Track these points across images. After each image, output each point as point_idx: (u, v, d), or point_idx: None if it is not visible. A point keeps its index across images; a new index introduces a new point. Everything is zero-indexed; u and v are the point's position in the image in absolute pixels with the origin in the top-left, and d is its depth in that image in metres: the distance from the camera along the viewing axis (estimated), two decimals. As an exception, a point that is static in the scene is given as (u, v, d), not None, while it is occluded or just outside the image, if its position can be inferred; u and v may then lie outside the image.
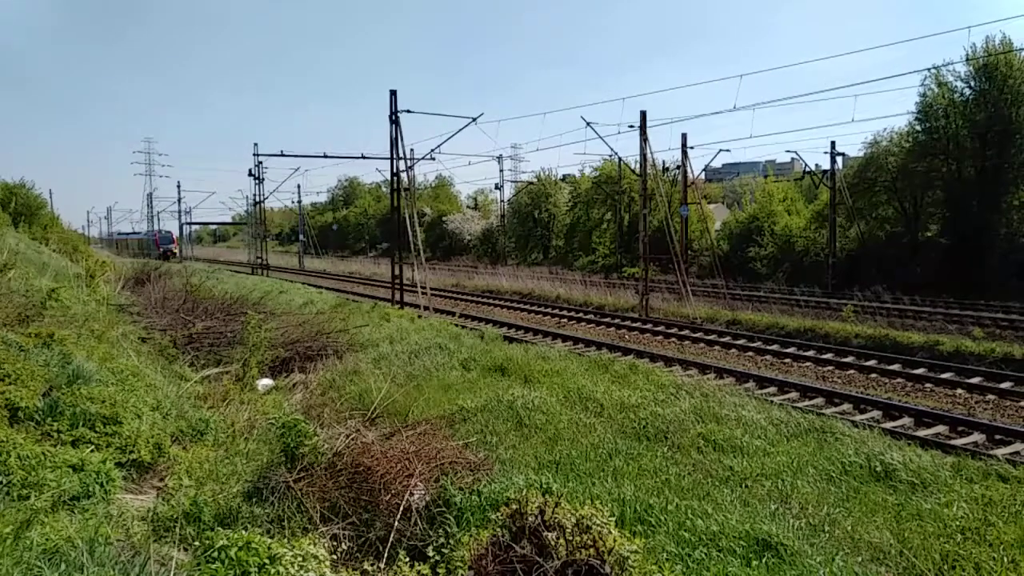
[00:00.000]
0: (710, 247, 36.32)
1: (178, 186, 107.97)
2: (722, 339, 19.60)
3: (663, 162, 41.11)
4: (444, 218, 65.49)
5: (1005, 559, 4.99)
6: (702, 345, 19.12)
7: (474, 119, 25.10)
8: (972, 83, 28.69)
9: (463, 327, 19.08)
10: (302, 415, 7.56)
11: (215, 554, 3.79)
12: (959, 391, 13.50)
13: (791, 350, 17.79)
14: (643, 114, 24.19)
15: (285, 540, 4.21)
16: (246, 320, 12.51)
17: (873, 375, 15.02)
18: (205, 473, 6.45)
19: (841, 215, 32.89)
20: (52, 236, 33.18)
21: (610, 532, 4.24)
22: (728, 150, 45.93)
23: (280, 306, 21.24)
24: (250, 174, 44.25)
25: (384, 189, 64.36)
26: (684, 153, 30.08)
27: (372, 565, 4.71)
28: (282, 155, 38.56)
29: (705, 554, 4.93)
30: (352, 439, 6.22)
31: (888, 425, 10.71)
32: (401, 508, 5.31)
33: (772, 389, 13.42)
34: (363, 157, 36.75)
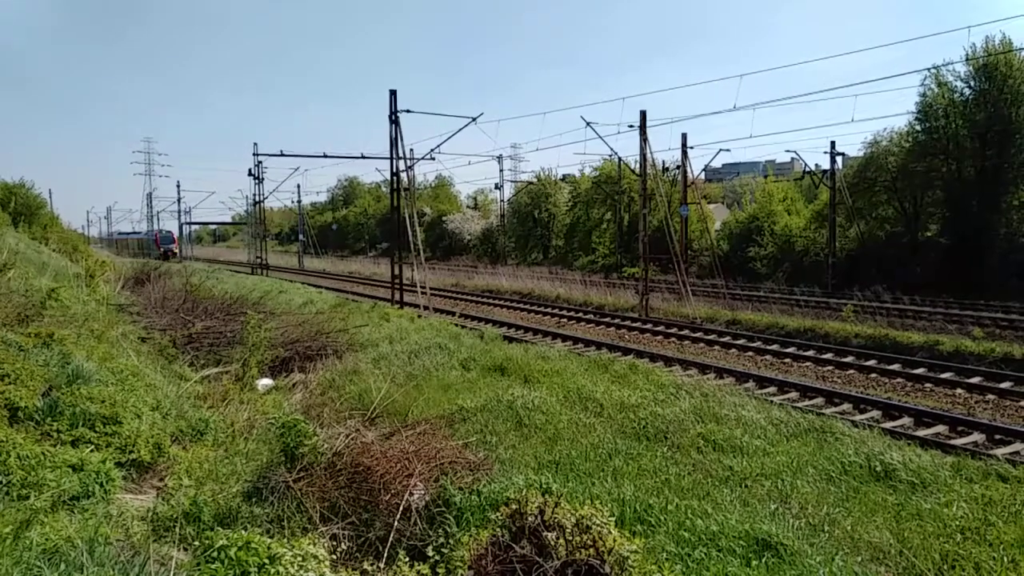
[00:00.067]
0: (710, 247, 36.32)
1: (178, 186, 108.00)
2: (722, 339, 19.60)
3: (663, 162, 41.18)
4: (444, 218, 65.50)
5: (1005, 559, 4.99)
6: (702, 345, 19.12)
7: (474, 119, 25.11)
8: (972, 83, 28.70)
9: (463, 327, 19.08)
10: (302, 415, 7.56)
11: (215, 554, 3.78)
12: (959, 391, 13.50)
13: (791, 350, 17.79)
14: (643, 114, 24.19)
15: (285, 540, 4.20)
16: (246, 320, 12.51)
17: (873, 375, 15.03)
18: (205, 473, 6.45)
19: (841, 215, 32.89)
20: (52, 236, 33.20)
21: (610, 532, 4.24)
22: (728, 150, 46.01)
23: (280, 306, 21.24)
24: (250, 174, 44.24)
25: (384, 189, 64.39)
26: (684, 153, 30.09)
27: (372, 565, 4.71)
28: (282, 155, 38.53)
29: (705, 554, 4.93)
30: (352, 439, 6.22)
31: (888, 425, 10.71)
32: (401, 508, 5.31)
33: (772, 389, 13.42)
34: (363, 157, 36.73)
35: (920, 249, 30.59)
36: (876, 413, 11.66)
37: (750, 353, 17.79)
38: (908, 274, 28.57)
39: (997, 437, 10.36)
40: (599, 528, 4.23)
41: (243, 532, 4.04)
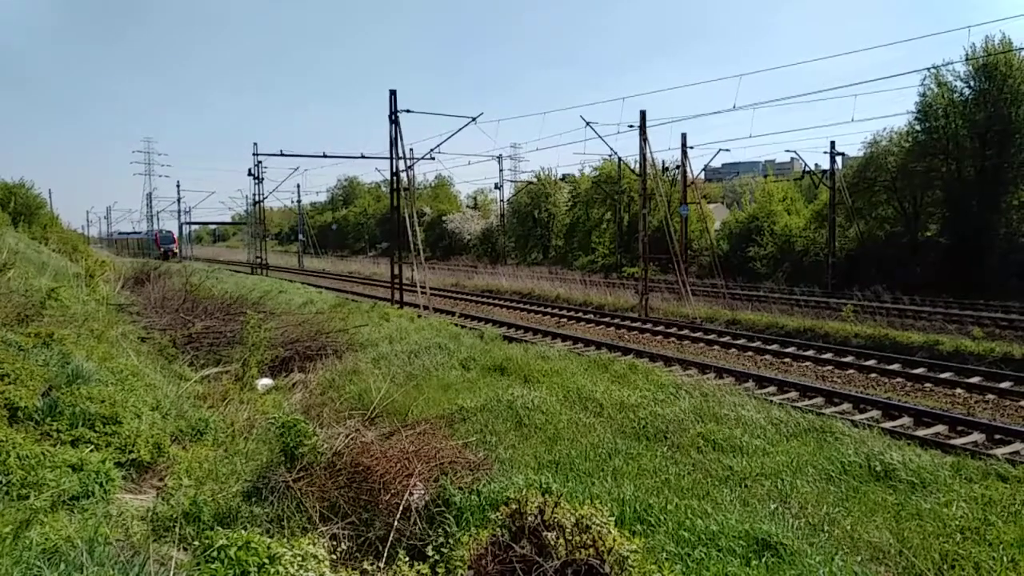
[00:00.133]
0: (710, 247, 36.32)
1: (177, 186, 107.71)
2: (722, 339, 19.60)
3: (663, 162, 41.17)
4: (444, 218, 65.48)
5: (1005, 559, 4.99)
6: (701, 345, 19.12)
7: (474, 119, 25.11)
8: (972, 83, 28.69)
9: (463, 327, 19.08)
10: (302, 415, 7.56)
11: (215, 554, 3.78)
12: (959, 391, 13.50)
13: (791, 350, 17.79)
14: (643, 114, 24.19)
15: (285, 540, 4.20)
16: (245, 320, 12.50)
17: (873, 375, 15.02)
18: (204, 473, 6.45)
19: (841, 215, 32.89)
20: (51, 236, 33.19)
21: (610, 532, 4.24)
22: (728, 150, 46.09)
23: (280, 306, 21.23)
24: (250, 174, 44.24)
25: (384, 189, 64.37)
26: (684, 153, 30.10)
27: (371, 564, 4.71)
28: (282, 155, 38.52)
29: (705, 554, 4.93)
30: (351, 439, 6.21)
31: (887, 425, 10.71)
32: (401, 508, 5.31)
33: (772, 389, 13.42)
34: (363, 157, 36.74)
35: (920, 249, 30.59)
36: (876, 413, 11.66)
37: (750, 353, 17.79)
38: (908, 274, 28.57)
39: (997, 437, 10.36)
40: (599, 528, 4.23)
41: (243, 532, 4.04)
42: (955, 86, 29.26)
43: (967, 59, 28.19)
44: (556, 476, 6.31)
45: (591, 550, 4.09)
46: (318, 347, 14.07)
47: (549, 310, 27.03)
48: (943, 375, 14.56)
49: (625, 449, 7.50)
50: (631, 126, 25.11)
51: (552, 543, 4.14)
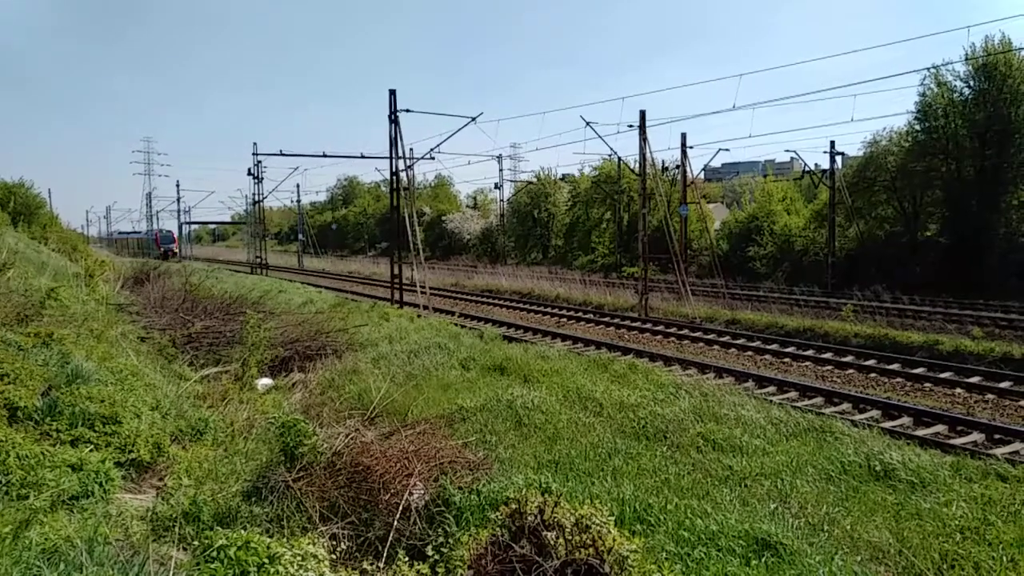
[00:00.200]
0: (709, 247, 36.32)
1: (177, 185, 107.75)
2: (721, 339, 19.60)
3: (662, 161, 41.14)
4: (443, 217, 65.47)
5: (1004, 558, 4.99)
6: (701, 344, 19.12)
7: (473, 119, 25.11)
8: (971, 83, 28.70)
9: (462, 326, 19.08)
10: (301, 414, 7.56)
11: (214, 553, 3.78)
12: (958, 391, 13.50)
13: (790, 349, 17.79)
14: (642, 114, 24.20)
15: (284, 539, 4.20)
16: (245, 319, 12.50)
17: (872, 374, 15.03)
18: (204, 472, 6.45)
19: (840, 215, 32.90)
20: (51, 235, 33.20)
21: (609, 531, 4.24)
22: (727, 149, 46.13)
23: (279, 305, 21.22)
24: (249, 173, 44.26)
25: (383, 188, 64.33)
26: (683, 152, 30.10)
27: (371, 564, 4.71)
28: (281, 154, 38.55)
29: (704, 553, 4.93)
30: (351, 438, 6.21)
31: (887, 424, 10.71)
32: (400, 507, 5.31)
33: (771, 388, 13.43)
34: (362, 156, 36.77)
35: (919, 249, 30.60)
36: (875, 413, 11.66)
37: (749, 353, 17.80)
38: (907, 274, 28.58)
39: (996, 437, 10.36)
40: (599, 527, 4.23)
41: (243, 532, 4.04)
42: (955, 86, 29.29)
43: (967, 59, 28.21)
44: (556, 476, 6.31)
45: (591, 550, 4.09)
46: (318, 347, 14.06)
47: (549, 310, 27.03)
48: (943, 375, 14.56)
49: (625, 449, 7.49)
50: (631, 126, 25.13)
51: (552, 543, 4.14)
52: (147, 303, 17.25)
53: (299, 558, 3.93)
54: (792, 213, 38.14)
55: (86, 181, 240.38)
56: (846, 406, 12.16)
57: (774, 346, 18.25)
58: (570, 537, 4.16)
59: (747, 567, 4.73)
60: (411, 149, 43.95)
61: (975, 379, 14.10)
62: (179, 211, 70.76)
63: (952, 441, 10.01)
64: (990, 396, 13.04)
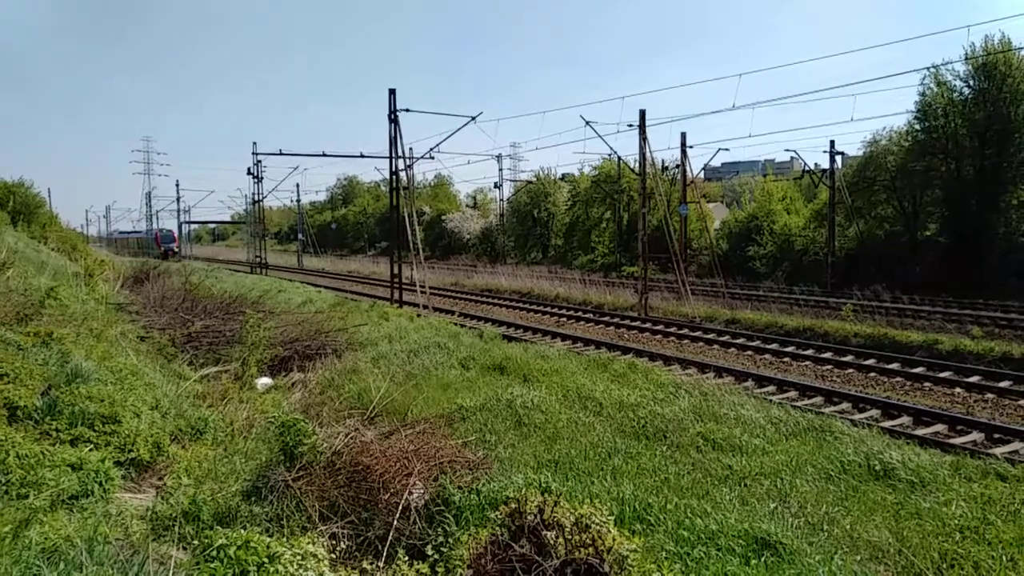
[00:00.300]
0: (709, 246, 36.32)
1: (177, 185, 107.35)
2: (721, 338, 19.60)
3: (662, 161, 41.16)
4: (443, 217, 65.48)
5: (1004, 558, 4.99)
6: (701, 344, 19.12)
7: (473, 118, 25.11)
8: (971, 82, 28.71)
9: (462, 326, 19.08)
10: (301, 414, 7.56)
11: (214, 553, 3.78)
12: (958, 390, 13.51)
13: (790, 349, 17.80)
14: (642, 113, 24.19)
15: (284, 539, 4.20)
16: (245, 319, 12.50)
17: (872, 374, 15.03)
18: (204, 472, 6.45)
19: (840, 214, 32.90)
20: (51, 235, 33.13)
21: (609, 531, 4.24)
22: (727, 149, 46.13)
23: (279, 305, 21.21)
24: (249, 173, 44.24)
25: (383, 188, 64.30)
26: (683, 152, 30.11)
27: (371, 564, 4.71)
28: (281, 154, 38.61)
29: (704, 553, 4.93)
30: (351, 438, 6.21)
31: (887, 424, 10.72)
32: (400, 507, 5.31)
33: (771, 388, 13.43)
34: (362, 156, 36.86)
35: (919, 248, 30.61)
36: (875, 412, 11.67)
37: (749, 352, 17.80)
38: (907, 273, 28.59)
39: (996, 436, 10.37)
40: (598, 527, 4.23)
41: (242, 531, 4.04)
42: (954, 85, 29.30)
43: (966, 58, 28.22)
44: (555, 475, 6.30)
45: (590, 549, 4.09)
46: (317, 346, 14.06)
47: (548, 309, 27.03)
48: (942, 374, 14.56)
49: (624, 448, 7.49)
50: (631, 125, 25.14)
51: (551, 542, 4.14)
52: (147, 302, 17.24)
53: (299, 557, 3.93)
54: (792, 213, 38.15)
55: (86, 181, 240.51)
56: (846, 405, 12.17)
57: (774, 345, 18.25)
58: (570, 536, 4.16)
59: (747, 566, 4.73)
60: (411, 149, 43.96)
61: (975, 378, 14.11)
62: (179, 211, 70.75)
63: (952, 440, 10.02)
64: (990, 395, 13.04)
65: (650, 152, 25.06)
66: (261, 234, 50.44)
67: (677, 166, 33.43)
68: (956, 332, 19.12)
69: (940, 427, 10.85)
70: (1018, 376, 14.01)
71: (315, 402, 10.32)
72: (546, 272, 39.30)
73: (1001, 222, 28.31)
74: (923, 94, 29.84)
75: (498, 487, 5.73)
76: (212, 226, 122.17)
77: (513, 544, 4.25)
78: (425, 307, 23.44)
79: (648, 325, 22.19)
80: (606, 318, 24.04)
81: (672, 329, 21.09)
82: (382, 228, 70.47)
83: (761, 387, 13.36)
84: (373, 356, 13.09)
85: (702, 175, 47.30)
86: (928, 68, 29.50)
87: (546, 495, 4.65)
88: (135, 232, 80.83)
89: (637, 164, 26.87)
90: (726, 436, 7.88)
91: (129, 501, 5.64)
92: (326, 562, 4.08)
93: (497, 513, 4.63)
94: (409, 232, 24.71)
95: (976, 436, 10.34)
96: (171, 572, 4.05)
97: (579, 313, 25.39)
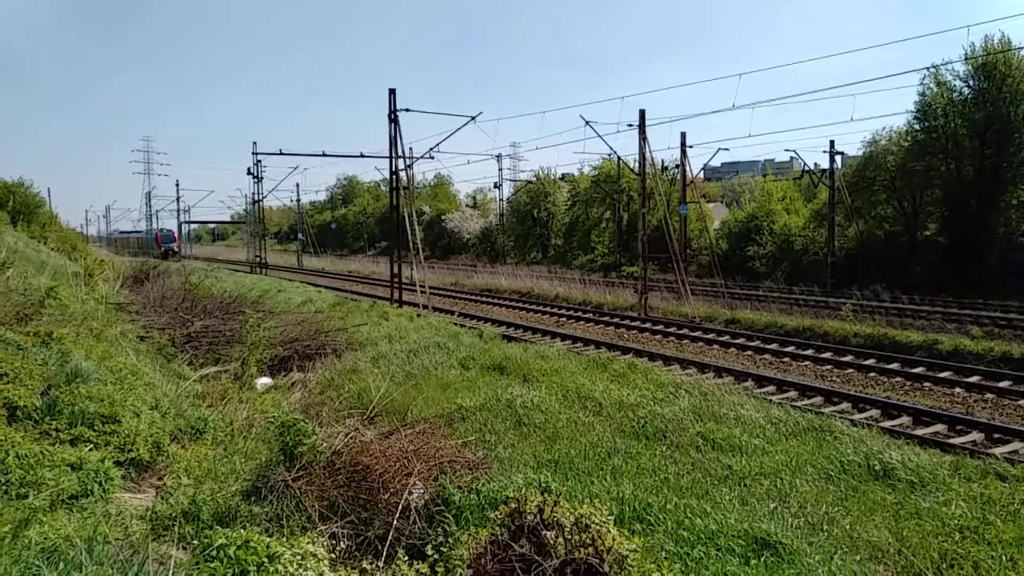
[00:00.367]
0: (709, 246, 36.33)
1: (176, 185, 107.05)
2: (721, 338, 19.60)
3: (662, 161, 41.16)
4: (443, 217, 65.49)
5: (1004, 558, 4.99)
6: (701, 344, 19.12)
7: (473, 118, 25.12)
8: (971, 82, 28.72)
9: (462, 326, 19.08)
10: (301, 414, 7.56)
11: (214, 553, 3.78)
12: (958, 390, 13.51)
13: (790, 349, 17.80)
14: (642, 113, 24.20)
15: (284, 539, 4.20)
16: (245, 319, 12.49)
17: (872, 374, 15.03)
18: (204, 472, 6.45)
19: (840, 214, 32.91)
20: (50, 235, 33.12)
21: (609, 531, 4.24)
22: (727, 149, 46.15)
23: (279, 305, 21.21)
24: (249, 173, 44.22)
25: (383, 188, 64.31)
26: (683, 152, 30.11)
27: (371, 564, 4.71)
28: (281, 154, 38.61)
29: (704, 553, 4.93)
30: (351, 438, 6.21)
31: (887, 424, 10.72)
32: (400, 507, 5.31)
33: (771, 388, 13.43)
34: (362, 156, 36.88)
35: (919, 248, 30.61)
36: (875, 412, 11.67)
37: (749, 352, 17.80)
38: (907, 273, 28.60)
39: (996, 436, 10.37)
40: (598, 527, 4.23)
41: (242, 531, 4.04)
42: (954, 85, 29.32)
43: (966, 58, 28.23)
44: (555, 475, 6.30)
45: (590, 549, 4.09)
46: (317, 346, 14.05)
47: (548, 309, 27.03)
48: (942, 374, 14.56)
49: (624, 448, 7.49)
50: (630, 125, 25.14)
51: (551, 542, 4.14)
52: (146, 302, 17.24)
53: (298, 557, 3.93)
54: (791, 212, 38.16)
55: (86, 180, 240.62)
56: (845, 405, 12.17)
57: (773, 345, 18.25)
58: (569, 536, 4.16)
59: (746, 566, 4.73)
60: (410, 148, 43.95)
61: (974, 378, 14.11)
62: (178, 210, 70.70)
63: (951, 440, 10.02)
64: (989, 395, 13.05)
65: (650, 152, 25.09)
66: (261, 234, 50.42)
67: (677, 166, 33.44)
68: (956, 332, 19.12)
69: (940, 427, 10.85)
70: (1018, 376, 14.01)
71: (315, 402, 10.32)
72: (546, 272, 39.30)
73: (1001, 222, 28.32)
74: (923, 94, 29.88)
75: (498, 487, 5.73)
76: (212, 226, 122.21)
77: (513, 544, 4.25)
78: (425, 307, 23.44)
79: (648, 325, 22.18)
80: (606, 318, 24.04)
81: (672, 329, 21.09)
82: (382, 228, 70.47)
83: (761, 387, 13.36)
84: (373, 356, 13.09)
85: (702, 175, 47.32)
86: (928, 68, 29.58)
87: (546, 495, 4.65)
88: (135, 232, 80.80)
89: (637, 164, 26.89)
90: (726, 436, 7.87)
91: (129, 501, 5.64)
92: (326, 562, 4.08)
93: (497, 513, 4.63)
94: (409, 232, 24.71)
95: (976, 436, 10.34)
96: (171, 572, 4.05)
97: (579, 313, 25.39)
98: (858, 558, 5.01)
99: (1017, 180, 28.07)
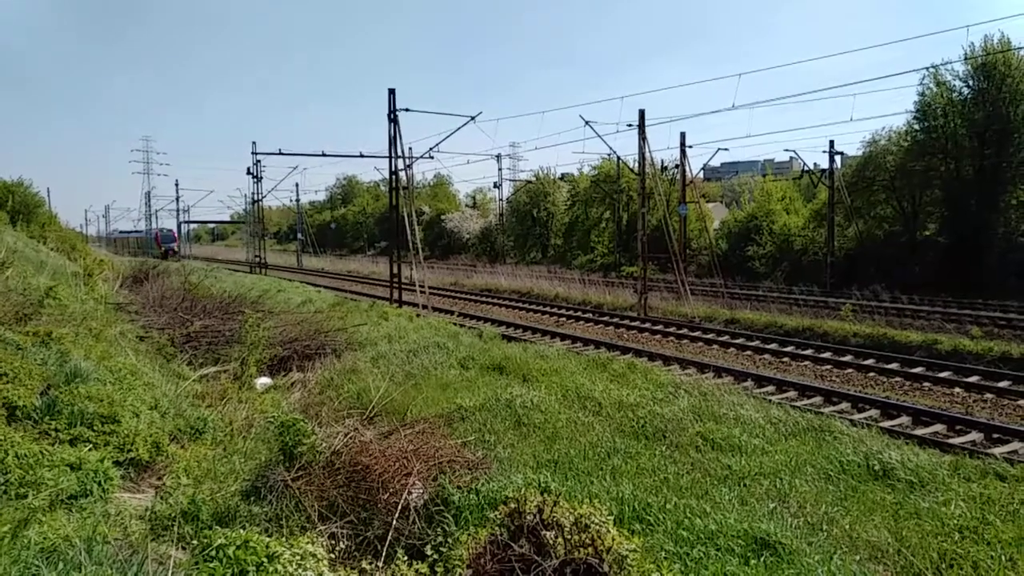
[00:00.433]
0: (708, 246, 36.33)
1: (176, 185, 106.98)
2: (720, 338, 19.61)
3: (662, 161, 41.15)
4: (443, 217, 65.49)
5: (1003, 558, 4.99)
6: (700, 344, 19.13)
7: (472, 118, 25.13)
8: (970, 82, 28.73)
9: (462, 326, 19.07)
10: (300, 414, 7.55)
11: (213, 553, 3.78)
12: (957, 390, 13.51)
13: (789, 349, 17.80)
14: (641, 113, 24.21)
15: (283, 539, 4.20)
16: (244, 319, 12.48)
17: (871, 374, 15.03)
18: (203, 472, 6.44)
19: (840, 214, 32.91)
20: (50, 234, 33.12)
21: (608, 531, 4.24)
22: (727, 149, 46.15)
23: (278, 305, 21.20)
24: (248, 172, 44.20)
25: (382, 188, 64.29)
26: (683, 152, 30.12)
27: (370, 564, 4.71)
28: (280, 154, 38.58)
29: (703, 553, 4.93)
30: (350, 438, 6.21)
31: (886, 424, 10.72)
32: (399, 507, 5.31)
33: (770, 388, 13.43)
34: (361, 156, 36.86)
35: (919, 248, 30.62)
36: (874, 412, 11.67)
37: (748, 352, 17.80)
38: (906, 273, 28.61)
39: (995, 436, 10.37)
40: (598, 527, 4.22)
41: (241, 531, 4.04)
42: (954, 85, 29.33)
43: (966, 58, 28.25)
44: (555, 475, 6.30)
45: (590, 549, 4.09)
46: (317, 346, 14.05)
47: (548, 309, 27.03)
48: (942, 374, 14.57)
49: (624, 448, 7.49)
50: (630, 125, 25.14)
51: (551, 542, 4.14)
52: (146, 302, 17.22)
53: (298, 557, 3.92)
54: (791, 213, 38.17)
55: (85, 180, 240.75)
56: (845, 405, 12.17)
57: (773, 345, 18.25)
58: (569, 536, 4.16)
59: (746, 566, 4.73)
60: (410, 148, 43.96)
61: (974, 378, 14.12)
62: (178, 210, 70.71)
63: (951, 440, 10.03)
64: (989, 395, 13.05)
65: (649, 152, 25.10)
66: (260, 234, 50.42)
67: (676, 166, 33.45)
68: (955, 332, 19.13)
69: (939, 427, 10.85)
70: (1017, 376, 14.02)
71: (314, 402, 10.31)
72: (545, 272, 39.30)
73: (1000, 222, 28.34)
74: (922, 94, 29.89)
75: (497, 487, 5.73)
76: (211, 226, 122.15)
77: (512, 544, 4.25)
78: (424, 307, 23.44)
79: (647, 325, 22.19)
80: (605, 318, 24.05)
81: (671, 329, 21.10)
82: (381, 228, 70.46)
83: (760, 387, 13.36)
84: (372, 356, 13.09)
85: (701, 175, 47.31)
86: (927, 68, 29.60)
87: (545, 495, 4.65)
88: (135, 232, 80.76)
89: (636, 164, 26.89)
90: (725, 436, 7.87)
91: (128, 501, 5.64)
92: (325, 562, 4.08)
93: (496, 513, 4.63)
94: (408, 232, 24.71)
95: (975, 436, 10.35)
96: (170, 572, 4.05)
97: (578, 313, 25.39)
98: (857, 558, 5.01)
99: (1017, 180, 28.08)
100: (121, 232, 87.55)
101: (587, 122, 25.25)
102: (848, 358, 16.42)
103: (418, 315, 21.06)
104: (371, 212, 79.06)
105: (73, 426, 6.22)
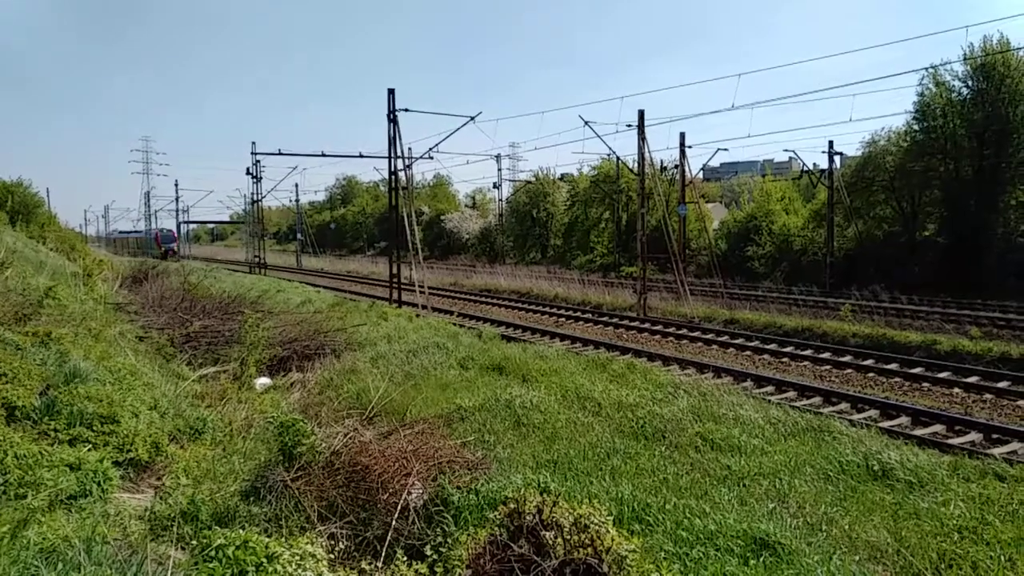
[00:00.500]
0: (708, 246, 36.34)
1: (176, 185, 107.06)
2: (720, 338, 19.61)
3: (661, 161, 41.17)
4: (442, 217, 65.51)
5: (1002, 558, 5.00)
6: (700, 344, 19.13)
7: (472, 118, 25.13)
8: (970, 83, 28.75)
9: (461, 326, 19.07)
10: (300, 414, 7.55)
11: (212, 553, 3.78)
12: (956, 390, 13.52)
13: (789, 349, 17.81)
14: (641, 113, 24.22)
15: (283, 539, 4.20)
16: (244, 319, 12.48)
17: (871, 374, 15.04)
18: (203, 472, 6.44)
19: (839, 214, 32.93)
20: (49, 235, 33.15)
21: (608, 531, 4.24)
22: (726, 149, 46.22)
23: (278, 305, 21.19)
24: (248, 173, 44.18)
25: (382, 188, 64.25)
26: (682, 152, 30.15)
27: (370, 564, 4.71)
28: (280, 154, 38.52)
29: (703, 553, 4.93)
30: (350, 438, 6.21)
31: (885, 424, 10.73)
32: (399, 507, 5.31)
33: (770, 388, 13.44)
34: (361, 156, 36.80)
35: (918, 249, 30.64)
36: (874, 412, 11.68)
37: (748, 352, 17.81)
38: (906, 273, 28.62)
39: (994, 436, 10.38)
40: (597, 527, 4.22)
41: (241, 531, 4.04)
42: (953, 86, 29.35)
43: (965, 59, 28.26)
44: (554, 475, 6.30)
45: (589, 549, 4.08)
46: (316, 346, 14.05)
47: (547, 309, 27.03)
48: (941, 375, 14.58)
49: (623, 448, 7.49)
50: (629, 125, 25.17)
51: (550, 542, 4.14)
52: (145, 302, 17.22)
53: (297, 557, 3.92)
54: (791, 213, 38.17)
55: (85, 180, 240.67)
56: (844, 406, 12.17)
57: (772, 346, 18.26)
58: (568, 537, 4.16)
59: (745, 566, 4.73)
60: (410, 148, 44.00)
61: (973, 379, 14.13)
62: (177, 210, 70.67)
63: (950, 441, 10.03)
64: (988, 396, 13.06)
65: (649, 152, 25.10)
66: (260, 234, 50.40)
67: (676, 166, 33.47)
68: (954, 332, 19.14)
69: (938, 427, 10.86)
70: (1016, 376, 14.02)
71: (314, 402, 10.31)
72: (545, 272, 39.31)
73: (1000, 222, 28.35)
74: (922, 94, 29.91)
75: (497, 487, 5.73)
76: (211, 226, 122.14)
77: (512, 544, 4.25)
78: (424, 307, 23.44)
79: (647, 325, 22.19)
80: (605, 318, 24.05)
81: (671, 329, 21.10)
82: (381, 228, 70.46)
83: (760, 387, 13.37)
84: (372, 356, 13.08)
85: (701, 175, 47.36)
86: (927, 68, 29.63)
87: (545, 495, 4.65)
88: (134, 232, 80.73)
89: (636, 164, 26.90)
90: (725, 436, 7.87)
91: (127, 501, 5.64)
92: (325, 562, 4.08)
93: (496, 513, 4.63)
94: (408, 232, 24.72)
95: (974, 436, 10.36)
96: (169, 572, 4.05)
97: (578, 313, 25.39)
98: (857, 558, 5.01)
99: (1016, 180, 28.10)
100: (121, 232, 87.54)
101: (586, 122, 25.30)
102: (847, 358, 16.43)
103: (417, 315, 21.06)
104: (370, 212, 79.06)
105: (72, 426, 6.22)
